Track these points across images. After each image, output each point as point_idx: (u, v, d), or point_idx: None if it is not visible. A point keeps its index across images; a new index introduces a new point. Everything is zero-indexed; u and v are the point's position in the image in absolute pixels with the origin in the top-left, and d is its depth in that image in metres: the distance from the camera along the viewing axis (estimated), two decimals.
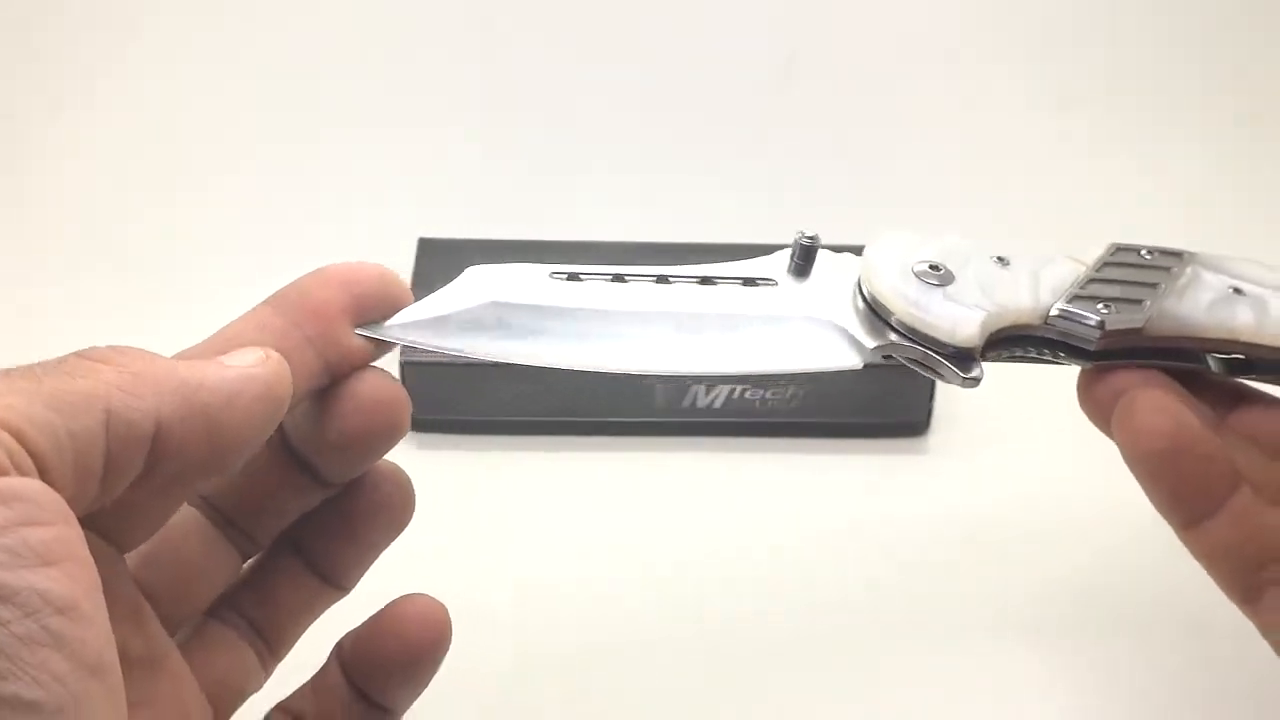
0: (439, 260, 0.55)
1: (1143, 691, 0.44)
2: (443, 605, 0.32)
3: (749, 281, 0.34)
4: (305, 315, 0.28)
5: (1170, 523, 0.33)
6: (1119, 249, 0.36)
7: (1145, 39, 0.70)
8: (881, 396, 0.54)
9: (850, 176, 0.66)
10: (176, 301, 0.57)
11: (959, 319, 0.33)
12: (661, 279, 0.34)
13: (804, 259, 0.35)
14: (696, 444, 0.54)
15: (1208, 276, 0.36)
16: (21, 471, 0.22)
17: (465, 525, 0.51)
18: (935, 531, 0.50)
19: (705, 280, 0.34)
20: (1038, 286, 0.35)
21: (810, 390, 0.53)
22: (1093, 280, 0.35)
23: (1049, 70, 0.69)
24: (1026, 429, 0.54)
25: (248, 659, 0.31)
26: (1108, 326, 0.34)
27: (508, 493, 0.53)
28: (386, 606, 0.32)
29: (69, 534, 0.22)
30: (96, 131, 0.66)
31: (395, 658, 0.31)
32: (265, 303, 0.29)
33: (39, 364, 0.24)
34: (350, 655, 0.32)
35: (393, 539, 0.32)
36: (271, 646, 0.32)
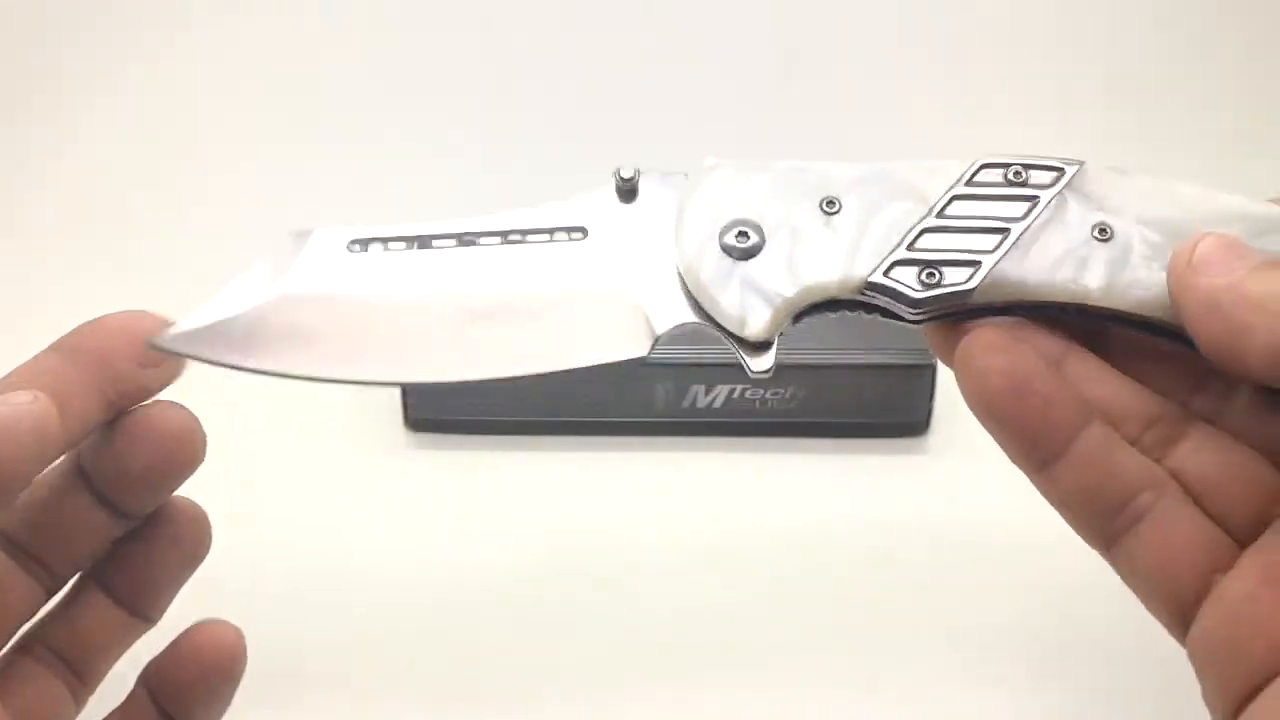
0: None
1: (1146, 688, 0.44)
2: (235, 629, 0.33)
3: (556, 234, 0.32)
4: (83, 357, 0.30)
5: (1023, 470, 0.32)
6: (983, 167, 0.31)
7: (1145, 40, 0.70)
8: (881, 396, 0.54)
9: None
10: (174, 300, 0.57)
11: (749, 310, 0.30)
12: (465, 239, 0.32)
13: (626, 199, 0.33)
14: (696, 444, 0.54)
15: (1073, 211, 0.31)
16: None
17: (464, 525, 0.51)
18: (935, 532, 0.50)
19: (508, 238, 0.32)
20: (858, 247, 0.31)
21: (810, 390, 0.53)
22: (929, 230, 0.31)
23: (1049, 70, 0.69)
24: None
25: (58, 692, 0.33)
26: (924, 307, 0.31)
27: (507, 493, 0.53)
28: (182, 634, 0.34)
29: None
30: (94, 131, 0.66)
31: (194, 681, 0.33)
32: (49, 348, 0.30)
33: None
34: (155, 680, 0.33)
35: (191, 571, 0.34)
36: (82, 679, 0.33)
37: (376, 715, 0.44)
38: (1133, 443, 0.31)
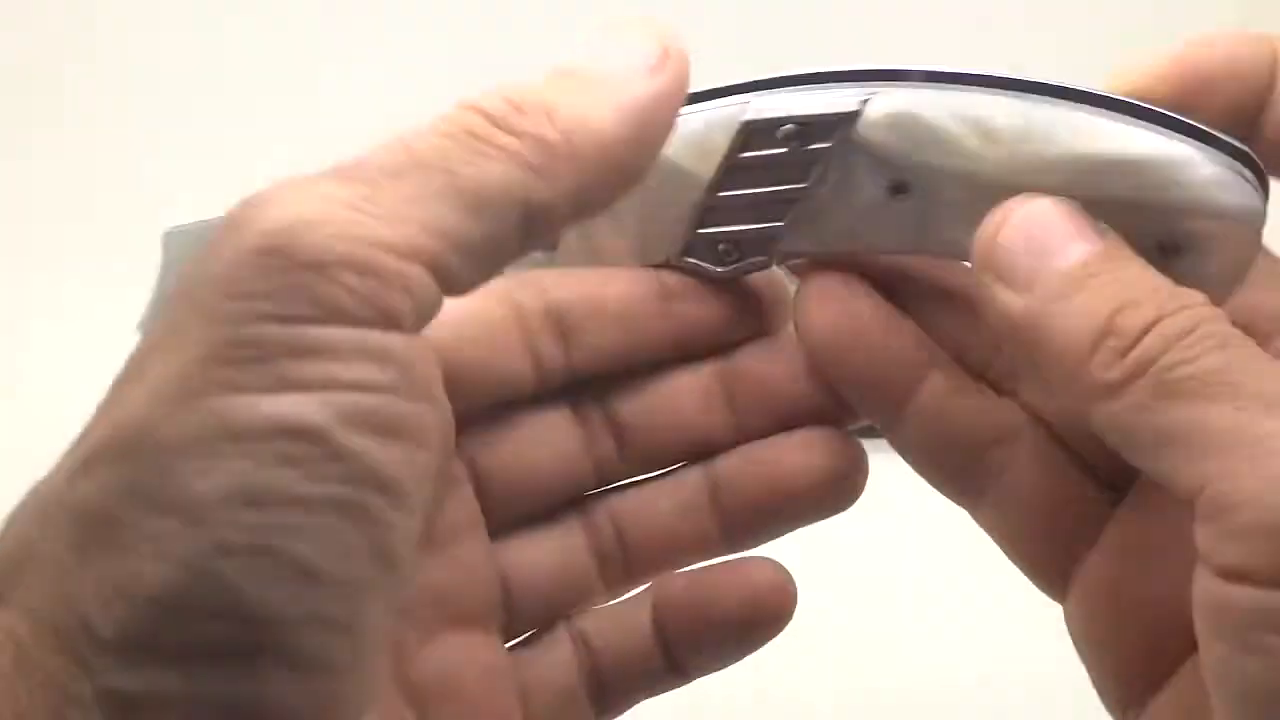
0: None
1: None
2: (789, 573, 0.30)
3: None
4: None
5: (878, 426, 0.30)
6: (751, 131, 0.27)
7: (1145, 40, 0.70)
8: None
9: None
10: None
11: None
12: None
13: None
14: None
15: (862, 169, 0.27)
16: (421, 318, 0.21)
17: None
18: (934, 532, 0.50)
19: None
20: (645, 238, 0.29)
21: None
22: (712, 207, 0.28)
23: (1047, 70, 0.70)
24: None
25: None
26: (733, 276, 0.29)
27: None
28: (726, 563, 0.30)
29: (426, 414, 0.21)
30: (92, 132, 0.66)
31: (728, 621, 0.30)
32: None
33: (424, 138, 0.22)
34: (671, 603, 0.30)
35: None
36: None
37: None
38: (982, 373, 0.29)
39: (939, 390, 0.29)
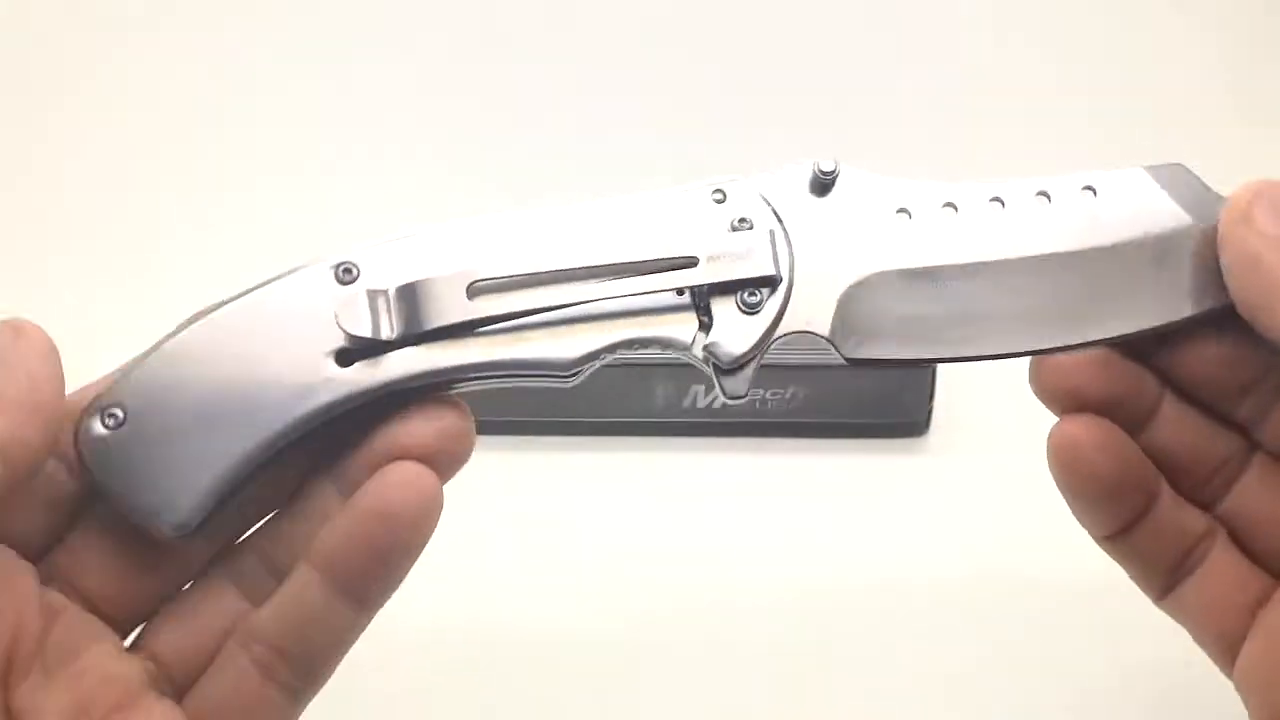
0: None
1: (1145, 684, 0.44)
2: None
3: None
4: None
5: (1090, 533, 0.33)
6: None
7: (1144, 41, 0.70)
8: (881, 396, 0.54)
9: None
10: (176, 303, 0.57)
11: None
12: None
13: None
14: (696, 444, 0.54)
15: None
16: None
17: (463, 525, 0.51)
18: (934, 532, 0.50)
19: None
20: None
21: (810, 390, 0.53)
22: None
23: (1048, 70, 0.69)
24: (1027, 429, 0.54)
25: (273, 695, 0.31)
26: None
27: (507, 493, 0.53)
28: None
29: None
30: (95, 138, 0.66)
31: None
32: None
33: None
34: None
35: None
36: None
37: (376, 711, 0.44)
38: (1202, 485, 0.33)
39: (1167, 507, 0.32)
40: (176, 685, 0.30)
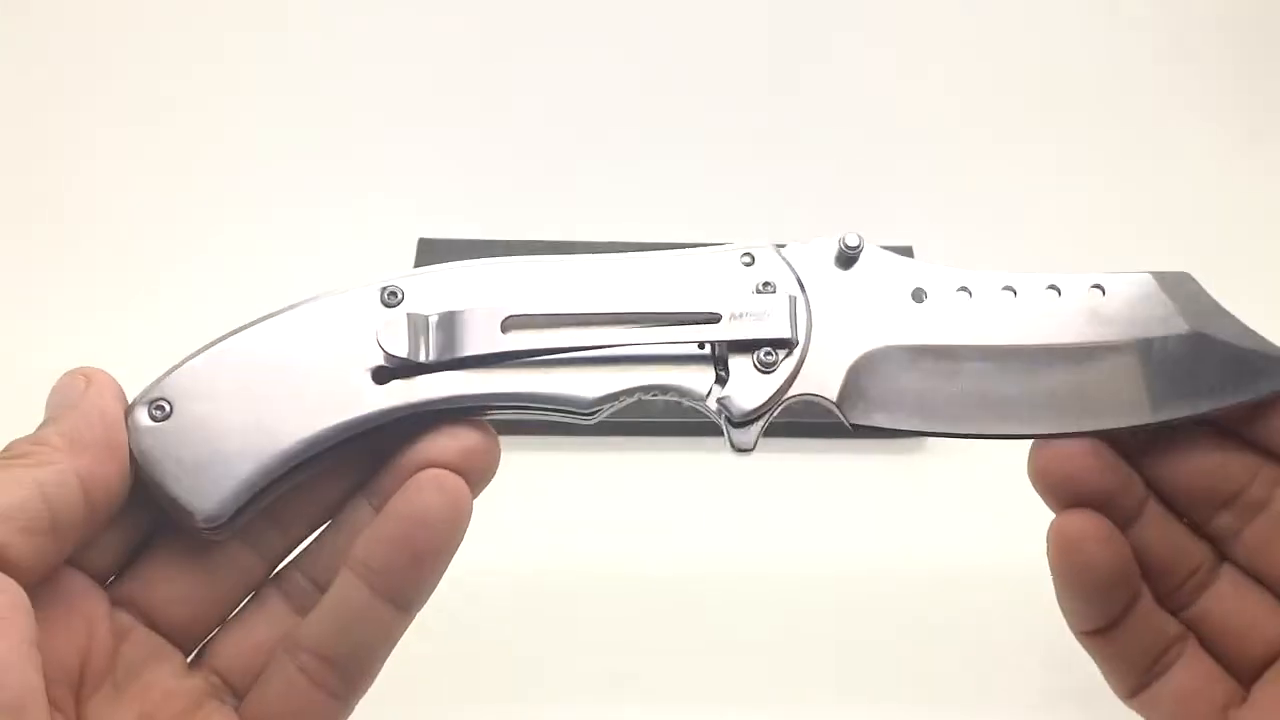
0: (439, 260, 0.55)
1: None
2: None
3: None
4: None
5: (1073, 629, 0.35)
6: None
7: (1144, 50, 0.70)
8: None
9: (841, 182, 0.66)
10: (179, 300, 0.57)
11: None
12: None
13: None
14: (696, 444, 0.54)
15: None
16: None
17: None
18: (934, 532, 0.50)
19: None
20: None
21: None
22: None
23: (1049, 80, 0.70)
24: None
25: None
26: None
27: (507, 492, 0.53)
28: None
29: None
30: (103, 135, 0.66)
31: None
32: None
33: None
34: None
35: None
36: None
37: (377, 712, 0.44)
38: (1175, 590, 0.34)
39: (1148, 609, 0.34)
40: (237, 696, 0.32)
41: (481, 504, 0.52)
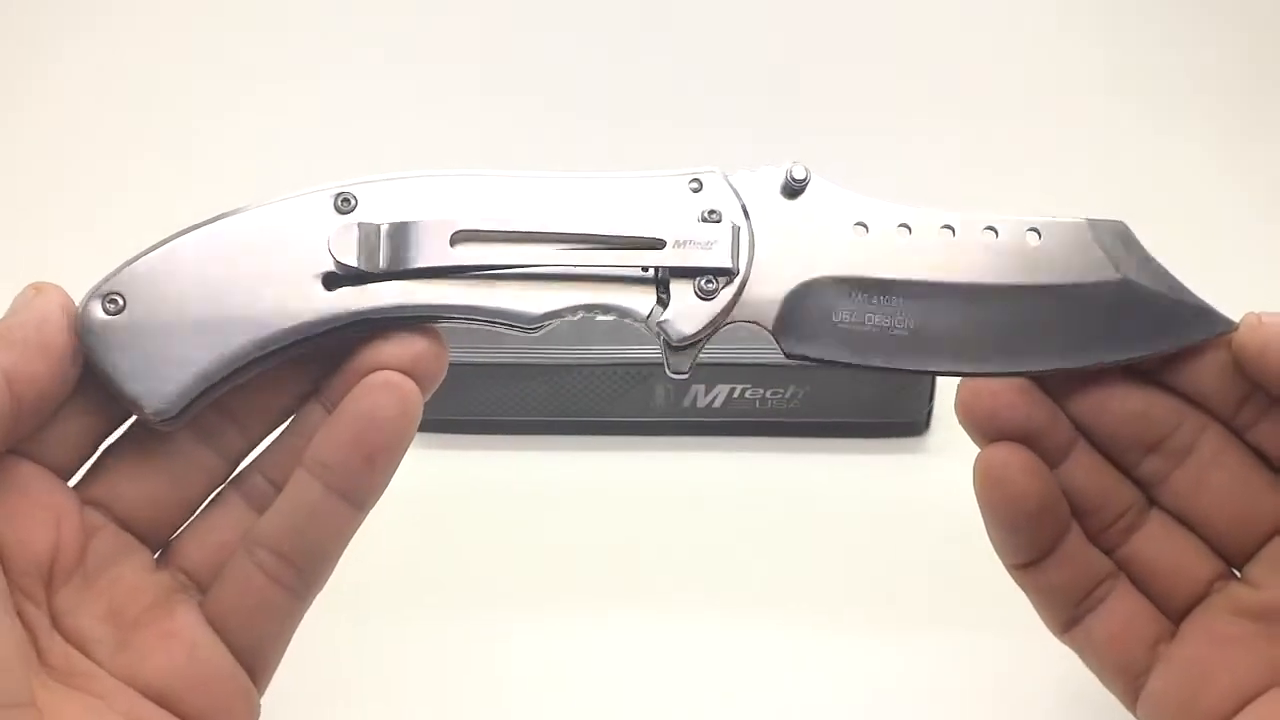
0: None
1: None
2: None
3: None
4: None
5: (1005, 562, 0.35)
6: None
7: (1146, 38, 0.70)
8: (881, 396, 0.54)
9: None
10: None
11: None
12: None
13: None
14: (696, 444, 0.54)
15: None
16: None
17: (465, 524, 0.51)
18: (934, 531, 0.50)
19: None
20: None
21: (810, 390, 0.53)
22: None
23: (1049, 68, 0.70)
24: None
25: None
26: None
27: (507, 492, 0.53)
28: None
29: None
30: (73, 100, 0.66)
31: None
32: None
33: None
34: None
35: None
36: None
37: (377, 711, 0.44)
38: (1105, 529, 0.35)
39: (1076, 542, 0.35)
40: (201, 592, 0.34)
41: (481, 504, 0.52)
